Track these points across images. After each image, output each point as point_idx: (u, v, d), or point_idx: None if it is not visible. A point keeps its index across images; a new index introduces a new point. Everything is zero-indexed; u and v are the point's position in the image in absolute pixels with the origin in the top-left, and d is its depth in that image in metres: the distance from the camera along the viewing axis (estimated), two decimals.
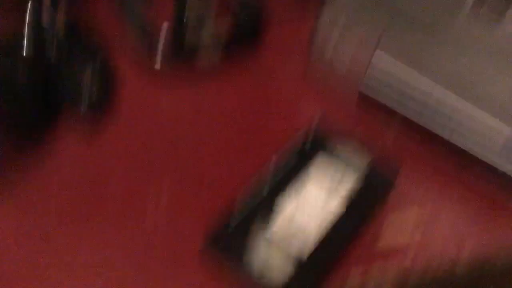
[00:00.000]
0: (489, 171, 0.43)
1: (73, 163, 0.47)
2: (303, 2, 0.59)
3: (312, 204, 0.42)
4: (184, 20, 0.51)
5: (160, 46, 0.52)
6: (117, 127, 0.49)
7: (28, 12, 0.47)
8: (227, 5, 0.58)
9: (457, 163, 0.46)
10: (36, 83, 0.46)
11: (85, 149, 0.48)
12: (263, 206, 0.42)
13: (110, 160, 0.47)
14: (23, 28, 0.46)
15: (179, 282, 0.40)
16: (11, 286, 0.39)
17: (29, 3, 0.47)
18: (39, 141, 0.47)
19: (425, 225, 0.43)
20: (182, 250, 0.41)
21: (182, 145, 0.49)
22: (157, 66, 0.53)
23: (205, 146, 0.48)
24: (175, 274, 0.40)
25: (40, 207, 0.43)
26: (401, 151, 0.48)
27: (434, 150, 0.46)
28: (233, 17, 0.57)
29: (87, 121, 0.48)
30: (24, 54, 0.45)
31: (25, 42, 0.46)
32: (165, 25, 0.52)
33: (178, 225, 0.43)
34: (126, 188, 0.45)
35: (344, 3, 0.47)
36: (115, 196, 0.45)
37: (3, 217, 0.43)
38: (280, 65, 0.56)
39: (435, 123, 0.45)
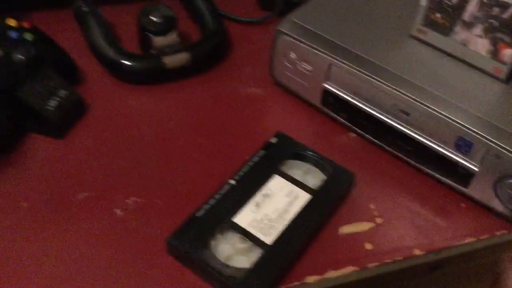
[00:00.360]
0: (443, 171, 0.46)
1: (44, 163, 0.47)
2: (265, 12, 0.63)
3: (278, 196, 0.44)
4: (149, 24, 0.53)
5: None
6: (86, 129, 0.50)
7: None
8: (194, 12, 0.61)
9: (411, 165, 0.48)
10: (3, 85, 0.46)
11: (55, 149, 0.48)
12: (230, 197, 0.43)
13: (79, 157, 0.48)
14: None
15: (147, 272, 0.40)
16: None
17: None
18: (11, 146, 0.48)
19: (381, 218, 0.45)
20: (150, 241, 0.42)
21: (151, 143, 0.50)
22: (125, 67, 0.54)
23: (173, 145, 0.50)
24: (144, 264, 0.40)
25: (9, 210, 0.44)
26: (359, 155, 0.50)
27: (388, 156, 0.49)
28: (200, 24, 0.59)
29: (57, 122, 0.48)
30: None
31: None
32: None
33: (146, 218, 0.44)
34: (95, 183, 0.46)
35: (296, 32, 0.50)
36: (85, 191, 0.45)
37: None
38: (247, 69, 0.58)
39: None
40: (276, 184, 0.44)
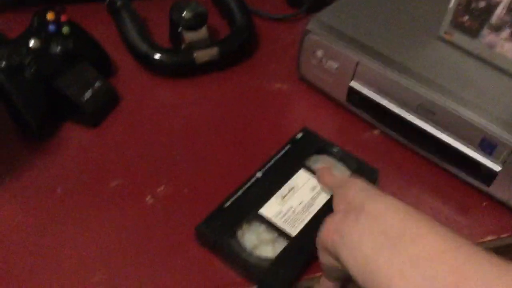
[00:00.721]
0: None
1: (78, 151, 0.49)
2: (294, 9, 0.64)
3: (303, 189, 0.45)
4: (180, 20, 0.55)
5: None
6: (119, 119, 0.52)
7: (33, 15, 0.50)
8: (223, 10, 0.62)
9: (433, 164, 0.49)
10: (41, 74, 0.48)
11: (89, 138, 0.50)
12: (257, 190, 0.44)
13: (112, 146, 0.50)
14: (30, 26, 0.50)
15: (175, 258, 0.42)
16: (21, 263, 0.41)
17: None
18: (47, 131, 0.50)
19: None
20: (179, 229, 0.43)
21: (180, 135, 0.51)
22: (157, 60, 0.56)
23: (202, 137, 0.51)
24: (172, 251, 0.42)
25: (45, 195, 0.46)
26: (382, 152, 0.51)
27: (411, 154, 0.50)
28: (229, 20, 0.61)
29: (91, 113, 0.50)
30: (31, 46, 0.48)
31: (31, 37, 0.48)
32: None
33: (175, 206, 0.45)
34: (127, 172, 0.48)
35: (324, 30, 0.51)
36: (117, 179, 0.47)
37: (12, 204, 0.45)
38: (273, 65, 0.59)
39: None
40: (301, 178, 0.46)
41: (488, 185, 0.46)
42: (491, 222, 0.46)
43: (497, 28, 0.46)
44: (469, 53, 0.49)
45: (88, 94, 0.50)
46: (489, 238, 0.45)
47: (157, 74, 0.57)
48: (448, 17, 0.49)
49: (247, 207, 0.43)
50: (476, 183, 0.47)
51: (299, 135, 0.49)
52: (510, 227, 0.45)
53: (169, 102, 0.54)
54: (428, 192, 0.48)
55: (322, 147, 0.49)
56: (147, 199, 0.46)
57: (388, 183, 0.48)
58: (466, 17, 0.47)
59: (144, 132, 0.51)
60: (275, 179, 0.45)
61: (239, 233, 0.42)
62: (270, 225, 0.42)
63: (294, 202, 0.44)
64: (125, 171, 0.48)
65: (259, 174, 0.46)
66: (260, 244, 0.42)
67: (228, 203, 0.43)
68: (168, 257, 0.42)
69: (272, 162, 0.47)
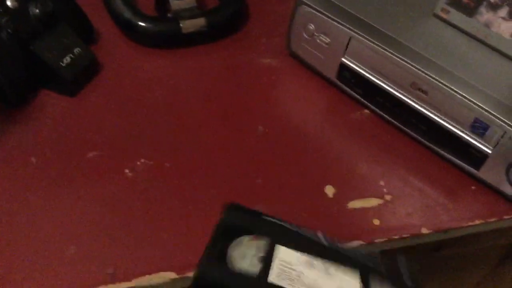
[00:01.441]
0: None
1: (55, 119, 0.47)
2: None
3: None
4: None
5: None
6: (99, 89, 0.50)
7: None
8: None
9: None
10: (19, 35, 0.46)
11: (66, 107, 0.48)
12: None
13: (90, 116, 0.48)
14: None
15: (154, 236, 0.40)
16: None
17: None
18: (25, 100, 0.47)
19: (391, 195, 0.45)
20: (158, 204, 0.42)
21: (162, 107, 0.49)
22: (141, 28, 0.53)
23: (185, 110, 0.49)
24: (150, 227, 0.41)
25: (18, 164, 0.44)
26: (372, 132, 0.50)
27: (401, 135, 0.49)
28: None
29: (69, 79, 0.48)
30: (9, 5, 0.45)
31: None
32: None
33: (155, 180, 0.44)
34: (106, 143, 0.46)
35: (319, 2, 0.49)
36: (95, 150, 0.45)
37: None
38: (263, 39, 0.57)
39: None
40: None
41: (478, 169, 0.45)
42: (479, 206, 0.45)
43: (495, 7, 0.45)
44: (464, 32, 0.48)
45: (67, 60, 0.48)
46: (477, 222, 0.44)
47: (141, 43, 0.54)
48: None
49: None
50: (465, 166, 0.46)
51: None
52: (498, 212, 0.45)
53: (152, 73, 0.52)
54: (417, 175, 0.47)
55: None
56: (126, 171, 0.44)
57: (377, 165, 0.47)
58: None
59: (125, 102, 0.49)
60: None
61: None
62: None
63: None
64: (104, 142, 0.46)
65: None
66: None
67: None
68: (146, 232, 0.40)
69: None
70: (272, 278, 0.32)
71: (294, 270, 0.33)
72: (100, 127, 0.47)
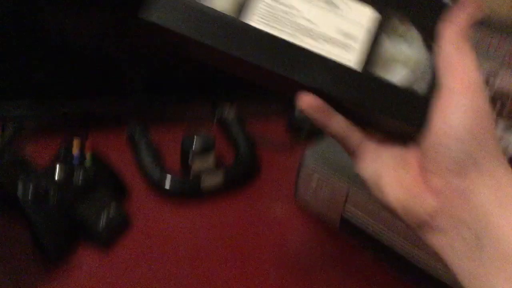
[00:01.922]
0: None
1: (92, 274, 0.54)
2: (293, 136, 0.70)
3: None
4: (190, 151, 0.61)
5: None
6: (131, 242, 0.57)
7: (60, 145, 0.57)
8: (229, 137, 0.69)
9: None
10: (63, 203, 0.54)
11: (102, 261, 0.55)
12: None
13: (121, 267, 0.54)
14: (57, 158, 0.57)
15: None
16: None
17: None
18: (63, 255, 0.55)
19: None
20: None
21: (186, 260, 0.56)
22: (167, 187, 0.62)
23: (205, 262, 0.55)
24: None
25: None
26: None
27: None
28: (235, 148, 0.67)
29: (105, 237, 0.55)
30: (56, 179, 0.54)
31: (57, 169, 0.55)
32: None
33: None
34: None
35: (319, 160, 0.57)
36: None
37: None
38: (273, 191, 0.64)
39: None
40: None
41: None
42: None
43: None
44: None
45: (103, 221, 0.56)
46: None
47: (166, 198, 0.62)
48: None
49: None
50: None
51: None
52: None
53: (176, 225, 0.59)
54: None
55: None
56: None
57: None
58: None
59: (153, 253, 0.56)
60: None
61: None
62: None
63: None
64: None
65: None
66: None
67: None
68: None
69: None
70: (253, 20, 0.25)
71: (283, 4, 0.24)
72: (129, 280, 0.53)
